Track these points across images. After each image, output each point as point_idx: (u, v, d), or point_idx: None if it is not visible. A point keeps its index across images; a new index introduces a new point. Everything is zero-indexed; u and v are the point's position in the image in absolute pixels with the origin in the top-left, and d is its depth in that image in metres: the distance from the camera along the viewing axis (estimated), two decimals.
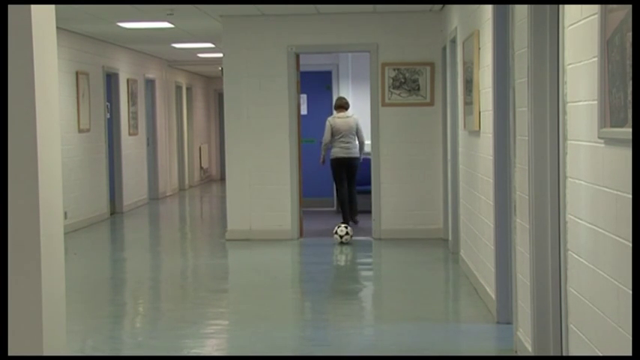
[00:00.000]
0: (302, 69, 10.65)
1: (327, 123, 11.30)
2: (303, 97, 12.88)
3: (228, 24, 10.23)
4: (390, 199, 10.21)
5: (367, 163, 10.96)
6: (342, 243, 9.88)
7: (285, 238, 10.23)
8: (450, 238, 9.12)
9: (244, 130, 10.24)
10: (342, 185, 11.37)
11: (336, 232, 9.90)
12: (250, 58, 10.18)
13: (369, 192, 10.60)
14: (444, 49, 9.49)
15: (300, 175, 10.51)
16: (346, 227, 9.92)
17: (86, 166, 12.36)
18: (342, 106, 11.38)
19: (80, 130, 12.08)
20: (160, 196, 16.33)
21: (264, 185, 10.26)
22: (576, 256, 3.78)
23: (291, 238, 10.28)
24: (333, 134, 11.19)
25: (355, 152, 11.27)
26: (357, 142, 11.31)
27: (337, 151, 11.21)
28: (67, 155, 11.06)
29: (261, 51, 10.16)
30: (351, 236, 9.90)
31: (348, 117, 11.28)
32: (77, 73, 12.00)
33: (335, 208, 12.80)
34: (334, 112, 11.59)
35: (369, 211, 10.48)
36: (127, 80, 14.60)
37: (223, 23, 10.28)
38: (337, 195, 11.78)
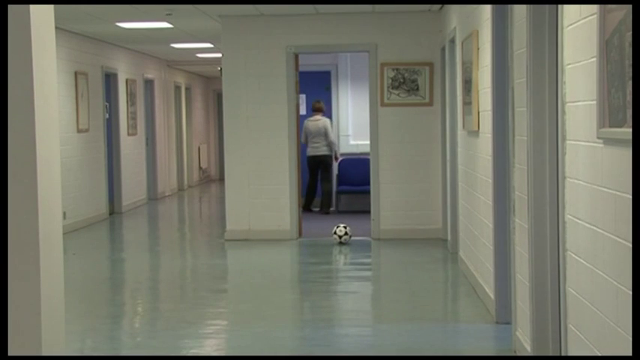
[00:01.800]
0: (301, 69, 10.71)
1: (303, 125, 12.48)
2: (302, 97, 13.04)
3: (227, 24, 10.24)
4: (389, 199, 10.22)
5: (366, 163, 11.01)
6: (340, 243, 9.88)
7: (284, 239, 10.24)
8: (449, 238, 9.13)
9: (243, 130, 10.25)
10: (313, 179, 12.86)
11: (335, 233, 9.91)
12: (249, 59, 10.19)
13: (367, 192, 10.61)
14: (443, 49, 9.50)
15: (299, 175, 10.52)
16: (345, 227, 9.92)
17: (85, 166, 12.36)
18: (316, 109, 12.74)
19: (79, 130, 12.09)
20: (158, 196, 16.34)
21: (263, 185, 10.27)
22: (575, 256, 3.78)
23: (290, 238, 10.28)
24: (306, 135, 12.62)
25: (324, 151, 12.67)
26: (326, 143, 12.65)
27: (310, 150, 12.66)
28: (66, 155, 11.04)
29: (261, 51, 10.18)
30: (350, 236, 9.91)
31: (318, 120, 12.62)
32: (76, 74, 12.01)
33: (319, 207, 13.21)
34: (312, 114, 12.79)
35: (368, 212, 10.47)
36: (126, 80, 14.60)
37: (222, 23, 10.29)
38: (307, 184, 12.84)
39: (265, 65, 10.17)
